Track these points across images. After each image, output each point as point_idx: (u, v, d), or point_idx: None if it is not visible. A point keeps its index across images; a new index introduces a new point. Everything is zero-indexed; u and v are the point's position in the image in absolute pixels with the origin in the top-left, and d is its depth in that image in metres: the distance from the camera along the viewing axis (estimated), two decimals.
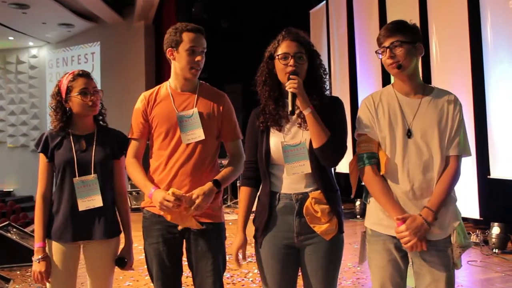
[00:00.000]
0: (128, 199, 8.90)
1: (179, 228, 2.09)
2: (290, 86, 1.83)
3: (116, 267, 2.25)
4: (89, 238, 2.16)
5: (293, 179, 1.92)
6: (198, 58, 2.10)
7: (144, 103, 2.20)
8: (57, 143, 2.18)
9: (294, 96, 1.84)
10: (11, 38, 11.81)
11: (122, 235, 2.30)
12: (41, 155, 2.20)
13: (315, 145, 1.85)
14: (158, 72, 10.99)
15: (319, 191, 1.90)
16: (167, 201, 1.97)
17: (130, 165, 2.19)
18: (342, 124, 1.94)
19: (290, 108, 1.84)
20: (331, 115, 1.90)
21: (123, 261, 2.23)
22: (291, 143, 1.91)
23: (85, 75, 2.20)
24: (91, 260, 2.21)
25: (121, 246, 2.30)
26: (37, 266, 2.12)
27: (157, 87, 2.26)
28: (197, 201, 1.99)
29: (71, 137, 2.20)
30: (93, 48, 11.71)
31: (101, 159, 2.19)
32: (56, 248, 2.15)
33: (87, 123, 2.24)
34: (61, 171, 2.16)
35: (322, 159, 1.86)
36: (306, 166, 1.89)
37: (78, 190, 2.13)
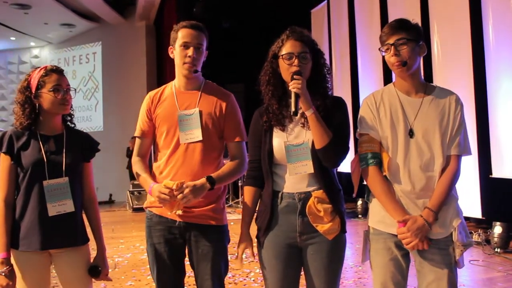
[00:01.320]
0: (130, 200, 8.79)
1: (169, 214, 2.04)
2: (293, 86, 1.82)
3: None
4: (59, 245, 1.99)
5: (296, 178, 1.92)
6: (189, 52, 2.08)
7: (148, 102, 2.20)
8: (24, 143, 2.00)
9: (297, 96, 1.83)
10: (13, 38, 11.84)
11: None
12: (5, 157, 1.99)
13: (317, 146, 1.85)
14: (160, 72, 11.00)
15: (321, 190, 1.90)
16: (163, 193, 1.95)
17: (135, 163, 2.18)
18: (344, 125, 1.93)
19: (292, 109, 1.83)
20: (333, 116, 1.90)
21: (97, 269, 2.08)
22: (294, 143, 1.91)
23: (58, 71, 2.05)
24: (63, 270, 2.04)
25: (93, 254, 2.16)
26: (1, 280, 1.89)
27: (163, 86, 2.26)
28: (185, 191, 1.94)
29: (39, 137, 2.02)
30: (95, 48, 11.73)
31: (72, 161, 2.04)
32: (23, 258, 1.95)
33: (55, 122, 2.08)
34: (29, 174, 1.96)
35: (324, 160, 1.86)
36: (308, 166, 1.88)
37: (48, 194, 1.96)
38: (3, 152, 2.00)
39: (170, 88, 2.21)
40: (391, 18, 6.66)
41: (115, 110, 11.27)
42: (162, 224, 2.11)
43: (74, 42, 12.08)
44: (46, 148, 2.02)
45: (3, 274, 1.91)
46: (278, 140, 1.94)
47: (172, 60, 2.19)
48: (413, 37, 1.87)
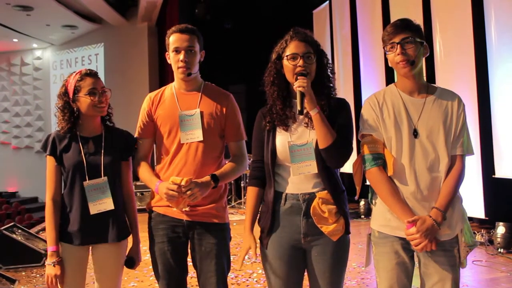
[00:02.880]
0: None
1: (176, 212, 2.08)
2: (299, 85, 1.83)
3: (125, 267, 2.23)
4: (100, 241, 2.14)
5: (300, 179, 1.92)
6: (180, 56, 2.10)
7: (149, 103, 2.22)
8: (65, 146, 2.14)
9: (302, 95, 1.82)
10: (15, 40, 11.86)
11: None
12: (49, 158, 2.15)
13: (321, 146, 1.84)
14: (162, 73, 11.01)
15: (326, 191, 1.89)
16: (171, 190, 1.97)
17: (138, 164, 2.21)
18: (348, 126, 1.93)
19: (298, 108, 1.83)
20: (337, 117, 1.90)
21: (132, 261, 2.22)
22: (298, 142, 1.90)
23: (92, 74, 2.15)
24: (101, 263, 2.18)
25: (129, 246, 2.29)
26: (52, 269, 2.08)
27: (163, 88, 2.29)
28: (193, 188, 1.97)
29: (79, 139, 2.15)
30: (97, 50, 11.74)
31: (110, 161, 2.15)
32: (67, 251, 2.12)
33: (95, 124, 2.20)
34: (71, 175, 2.12)
35: (328, 160, 1.86)
36: (312, 166, 1.88)
37: (88, 194, 2.10)
38: (48, 155, 2.15)
39: (170, 89, 2.23)
40: (393, 18, 6.65)
41: (117, 111, 11.18)
42: (165, 223, 2.12)
43: (77, 44, 12.09)
44: (86, 150, 2.14)
45: (54, 265, 2.08)
46: (282, 140, 1.94)
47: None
48: (418, 37, 1.86)
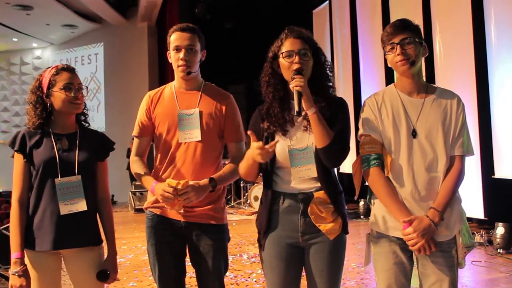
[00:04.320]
0: (132, 201, 8.81)
1: (169, 209, 2.06)
2: (295, 84, 1.79)
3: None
4: (72, 246, 1.96)
5: (298, 179, 1.92)
6: (180, 54, 2.10)
7: (148, 101, 2.21)
8: (36, 142, 1.98)
9: (300, 95, 1.80)
10: (15, 39, 11.86)
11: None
12: (17, 155, 1.99)
13: (318, 146, 1.84)
14: (162, 72, 11.01)
15: (323, 191, 1.89)
16: (167, 192, 1.97)
17: (134, 163, 2.19)
18: (346, 125, 1.91)
19: (296, 109, 1.80)
20: (335, 116, 1.89)
21: (105, 274, 2.01)
22: (297, 147, 1.89)
23: (70, 69, 2.02)
24: (75, 271, 2.02)
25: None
26: (16, 280, 1.86)
27: (162, 86, 2.28)
28: (189, 192, 1.96)
29: (51, 136, 2.00)
30: (97, 49, 11.75)
31: (85, 159, 2.01)
32: (35, 258, 1.93)
33: (69, 121, 2.05)
34: (41, 172, 1.95)
35: (325, 159, 1.85)
36: (312, 170, 1.88)
37: (60, 193, 1.93)
38: (16, 151, 1.99)
39: (170, 88, 2.22)
40: (393, 18, 6.65)
41: (117, 111, 11.29)
42: (163, 224, 2.12)
43: (76, 43, 12.11)
44: (59, 146, 1.99)
45: (17, 274, 1.87)
46: (281, 144, 1.92)
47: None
48: (417, 37, 1.86)
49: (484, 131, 5.40)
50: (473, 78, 5.48)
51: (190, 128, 2.10)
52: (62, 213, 1.93)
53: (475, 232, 5.33)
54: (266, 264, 1.97)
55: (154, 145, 2.25)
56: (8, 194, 12.51)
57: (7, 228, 5.27)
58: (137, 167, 2.17)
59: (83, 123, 2.13)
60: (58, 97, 1.99)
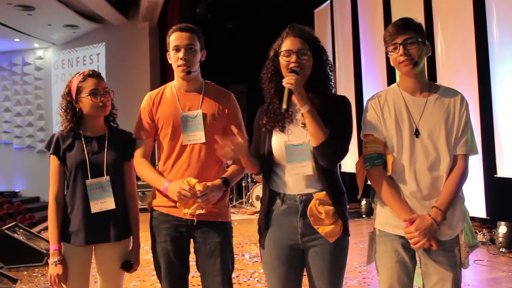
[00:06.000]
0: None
1: (183, 214, 2.06)
2: (286, 82, 1.81)
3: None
4: (102, 241, 2.15)
5: (297, 180, 1.91)
6: (179, 54, 2.10)
7: (149, 103, 2.21)
8: (69, 145, 2.16)
9: (290, 92, 1.82)
10: (17, 39, 11.87)
11: None
12: (53, 157, 2.17)
13: (312, 144, 1.84)
14: (163, 73, 11.01)
15: (324, 192, 1.88)
16: (184, 190, 1.98)
17: (140, 165, 2.19)
18: (344, 124, 1.90)
19: (284, 106, 1.82)
20: (334, 115, 1.88)
21: (129, 264, 2.20)
22: (294, 143, 1.89)
23: (95, 75, 2.17)
24: (103, 262, 2.19)
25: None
26: (54, 269, 2.09)
27: (162, 87, 2.27)
28: (207, 191, 1.99)
29: (82, 139, 2.17)
30: (98, 49, 11.74)
31: (113, 160, 2.17)
32: (70, 251, 2.13)
33: (98, 124, 2.21)
34: (73, 173, 2.13)
35: (320, 158, 1.84)
36: (307, 168, 1.87)
37: (90, 192, 2.12)
38: (51, 154, 2.17)
39: (171, 89, 2.21)
40: (395, 17, 6.64)
41: (119, 111, 11.22)
42: (168, 222, 2.12)
43: (78, 43, 12.09)
44: (89, 149, 2.16)
45: (55, 263, 2.09)
46: (278, 139, 1.93)
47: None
48: (420, 37, 1.86)
49: (486, 130, 5.39)
50: (475, 77, 5.46)
51: (193, 130, 2.11)
52: (93, 211, 2.12)
53: (477, 231, 5.33)
54: (267, 265, 1.97)
55: (156, 146, 2.24)
56: (10, 195, 12.55)
57: (9, 228, 5.29)
58: (144, 168, 2.17)
59: (112, 124, 2.27)
60: (85, 102, 2.15)
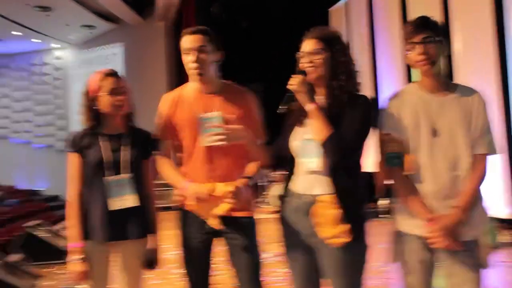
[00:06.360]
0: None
1: (209, 222, 2.10)
2: (289, 83, 1.88)
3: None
4: (122, 238, 2.15)
5: (308, 179, 1.92)
6: (189, 57, 2.11)
7: (167, 104, 2.22)
8: (88, 143, 2.17)
9: (290, 95, 1.89)
10: (35, 40, 12.04)
11: None
12: (72, 155, 2.19)
13: (316, 141, 1.86)
14: (179, 72, 11.06)
15: (331, 194, 1.85)
16: (201, 193, 2.03)
17: (162, 164, 2.22)
18: (355, 122, 1.85)
19: (280, 106, 1.89)
20: (348, 112, 1.86)
21: (151, 262, 2.22)
22: (308, 138, 1.91)
23: (114, 74, 2.19)
24: (123, 259, 2.20)
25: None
26: (77, 266, 2.10)
27: (180, 88, 2.28)
28: (237, 191, 2.02)
29: (102, 137, 2.18)
30: (115, 49, 11.85)
31: (132, 158, 2.17)
32: (90, 248, 2.14)
33: (117, 122, 2.22)
34: (92, 171, 2.15)
35: (326, 155, 1.85)
36: (314, 163, 1.88)
37: (110, 190, 2.13)
38: (70, 152, 2.19)
39: (189, 90, 2.22)
40: (411, 15, 6.59)
41: (136, 111, 11.28)
42: (196, 219, 2.14)
43: (95, 43, 12.20)
44: (108, 147, 2.16)
45: (79, 262, 2.10)
46: (296, 135, 1.97)
47: None
48: (438, 35, 1.84)
49: (507, 128, 5.32)
50: (495, 75, 5.39)
51: (212, 131, 2.08)
52: (111, 208, 2.12)
53: (500, 232, 5.25)
54: (288, 262, 2.01)
55: (175, 147, 2.25)
56: (30, 193, 12.75)
57: (31, 226, 5.39)
58: (166, 167, 2.20)
59: (131, 122, 2.26)
60: (104, 101, 2.16)
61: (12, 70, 13.43)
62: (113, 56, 11.90)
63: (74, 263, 2.11)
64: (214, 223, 2.10)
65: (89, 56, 12.47)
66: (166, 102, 2.24)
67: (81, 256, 2.11)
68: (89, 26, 11.25)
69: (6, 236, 6.55)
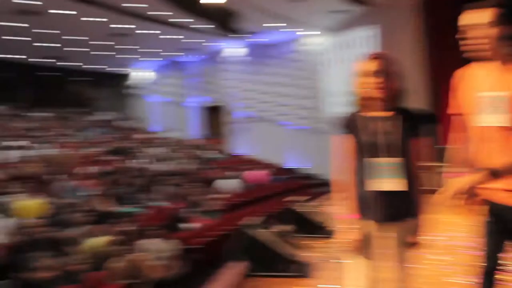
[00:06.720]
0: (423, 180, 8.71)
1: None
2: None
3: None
4: (391, 219, 2.20)
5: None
6: (472, 33, 1.92)
7: (455, 80, 2.12)
8: (358, 125, 2.24)
9: None
10: (289, 29, 12.96)
11: None
12: (345, 136, 2.27)
13: None
14: (434, 53, 10.41)
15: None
16: (460, 193, 1.92)
17: (451, 142, 2.16)
18: None
19: None
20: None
21: (415, 242, 2.23)
22: None
23: (374, 58, 2.22)
24: (391, 239, 2.23)
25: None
26: (353, 235, 2.22)
27: (472, 65, 2.10)
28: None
29: (371, 119, 2.23)
30: (369, 32, 11.82)
31: (403, 140, 2.19)
32: (361, 225, 2.23)
33: (380, 105, 2.23)
34: (363, 152, 2.21)
35: None
36: None
37: (381, 172, 2.18)
38: (346, 133, 2.28)
39: (481, 67, 2.04)
40: None
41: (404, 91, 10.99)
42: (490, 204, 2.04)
43: (349, 27, 12.45)
44: (379, 129, 2.21)
45: (356, 231, 2.22)
46: None
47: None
48: None
49: None
50: None
51: (496, 112, 1.92)
52: (382, 189, 2.18)
53: None
54: None
55: (461, 126, 2.14)
56: (289, 171, 13.97)
57: (292, 204, 5.94)
58: (454, 146, 2.15)
59: (399, 104, 2.26)
60: (363, 84, 2.21)
61: (274, 59, 15.00)
62: (366, 39, 11.93)
63: (350, 232, 2.23)
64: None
65: (341, 40, 12.84)
66: (455, 77, 2.13)
67: (358, 226, 2.22)
68: (341, 11, 11.53)
69: (275, 208, 7.36)
